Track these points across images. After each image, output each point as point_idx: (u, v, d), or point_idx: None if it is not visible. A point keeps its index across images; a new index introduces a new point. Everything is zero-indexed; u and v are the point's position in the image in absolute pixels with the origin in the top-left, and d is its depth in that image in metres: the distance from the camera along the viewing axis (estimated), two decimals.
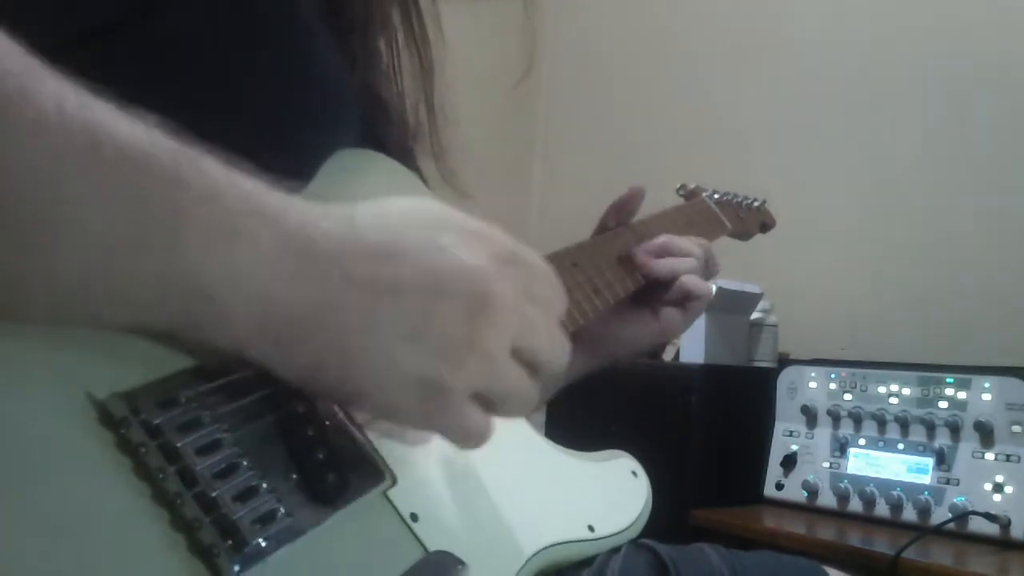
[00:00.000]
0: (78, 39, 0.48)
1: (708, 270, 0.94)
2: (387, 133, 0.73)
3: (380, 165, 0.69)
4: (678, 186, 1.12)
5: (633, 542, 0.72)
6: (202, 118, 0.41)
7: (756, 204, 1.18)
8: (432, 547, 0.53)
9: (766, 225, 1.20)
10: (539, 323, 0.50)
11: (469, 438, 0.49)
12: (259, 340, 0.43)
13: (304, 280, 0.43)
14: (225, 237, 0.40)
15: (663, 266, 0.90)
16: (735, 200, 1.14)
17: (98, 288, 0.39)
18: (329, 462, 0.49)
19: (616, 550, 0.70)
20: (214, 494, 0.41)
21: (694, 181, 1.12)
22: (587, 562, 0.68)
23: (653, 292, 0.91)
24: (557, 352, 0.52)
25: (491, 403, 0.49)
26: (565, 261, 0.81)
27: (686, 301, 0.91)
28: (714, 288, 1.60)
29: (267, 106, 0.57)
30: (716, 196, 1.10)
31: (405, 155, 0.74)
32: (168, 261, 0.39)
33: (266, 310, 0.42)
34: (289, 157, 0.49)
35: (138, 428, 0.41)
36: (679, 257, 0.90)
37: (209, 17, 0.53)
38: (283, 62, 0.57)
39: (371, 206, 0.48)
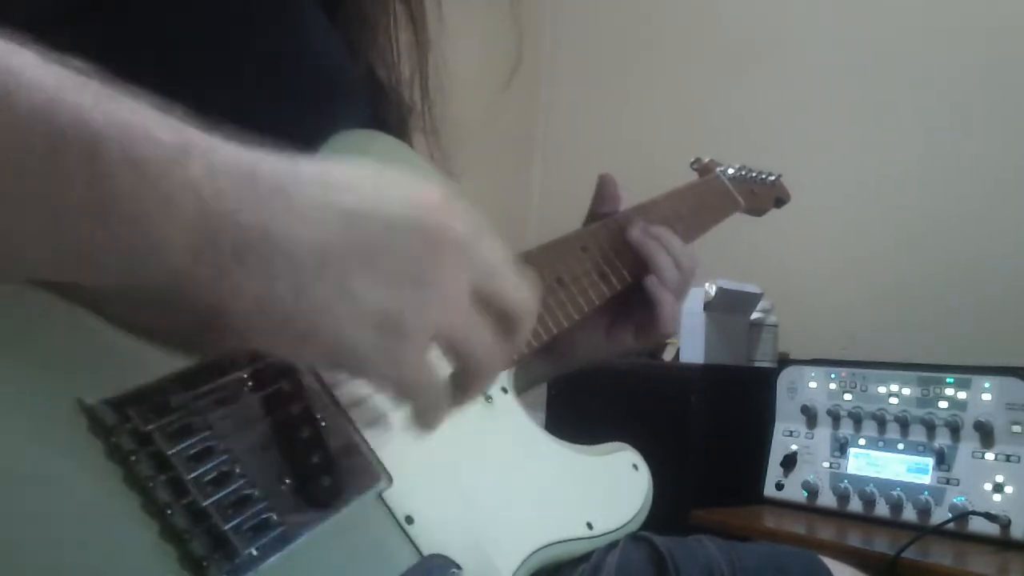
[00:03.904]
0: (66, 19, 0.48)
1: (683, 275, 0.86)
2: (387, 115, 0.72)
3: (382, 144, 0.68)
4: (692, 160, 1.09)
5: (631, 535, 0.71)
6: (200, 102, 0.40)
7: (771, 179, 1.15)
8: (427, 550, 0.53)
9: (781, 200, 1.17)
10: (499, 262, 0.48)
11: (420, 394, 0.45)
12: (199, 271, 0.39)
13: (243, 206, 0.39)
14: (153, 164, 0.37)
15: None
16: (749, 175, 1.11)
17: (18, 234, 0.36)
18: (324, 465, 0.49)
19: (614, 544, 0.70)
20: (205, 504, 0.41)
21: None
22: (585, 557, 0.68)
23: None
24: (523, 295, 0.49)
25: (454, 355, 0.46)
26: (574, 245, 0.80)
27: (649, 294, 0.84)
28: (715, 289, 1.61)
29: (266, 90, 0.56)
30: (730, 172, 1.07)
31: (404, 137, 0.74)
32: (92, 190, 0.36)
33: (204, 237, 0.38)
34: (291, 140, 0.48)
35: (128, 436, 0.41)
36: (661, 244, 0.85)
37: (204, 1, 0.52)
38: (281, 45, 0.56)
39: (312, 160, 0.45)
